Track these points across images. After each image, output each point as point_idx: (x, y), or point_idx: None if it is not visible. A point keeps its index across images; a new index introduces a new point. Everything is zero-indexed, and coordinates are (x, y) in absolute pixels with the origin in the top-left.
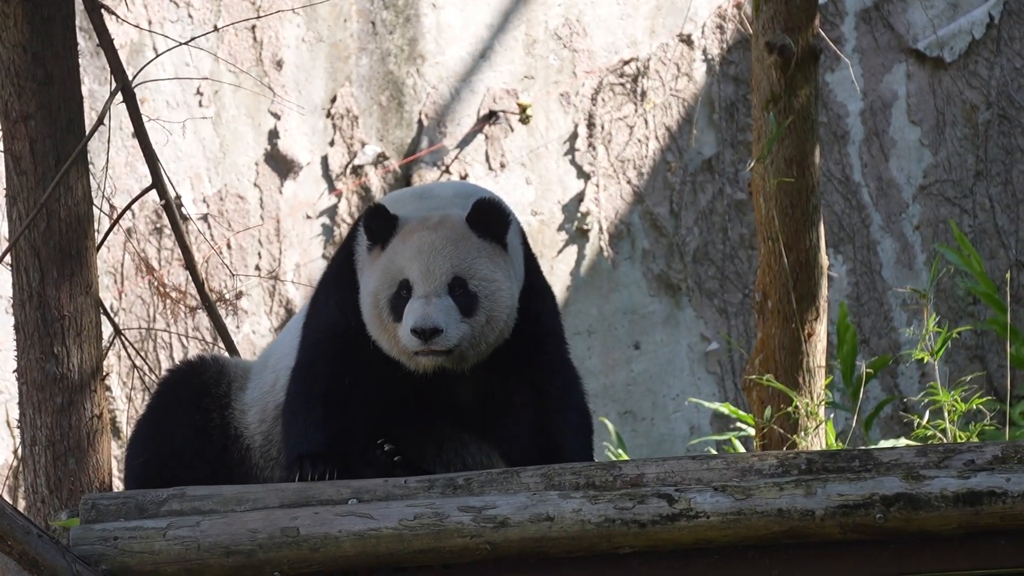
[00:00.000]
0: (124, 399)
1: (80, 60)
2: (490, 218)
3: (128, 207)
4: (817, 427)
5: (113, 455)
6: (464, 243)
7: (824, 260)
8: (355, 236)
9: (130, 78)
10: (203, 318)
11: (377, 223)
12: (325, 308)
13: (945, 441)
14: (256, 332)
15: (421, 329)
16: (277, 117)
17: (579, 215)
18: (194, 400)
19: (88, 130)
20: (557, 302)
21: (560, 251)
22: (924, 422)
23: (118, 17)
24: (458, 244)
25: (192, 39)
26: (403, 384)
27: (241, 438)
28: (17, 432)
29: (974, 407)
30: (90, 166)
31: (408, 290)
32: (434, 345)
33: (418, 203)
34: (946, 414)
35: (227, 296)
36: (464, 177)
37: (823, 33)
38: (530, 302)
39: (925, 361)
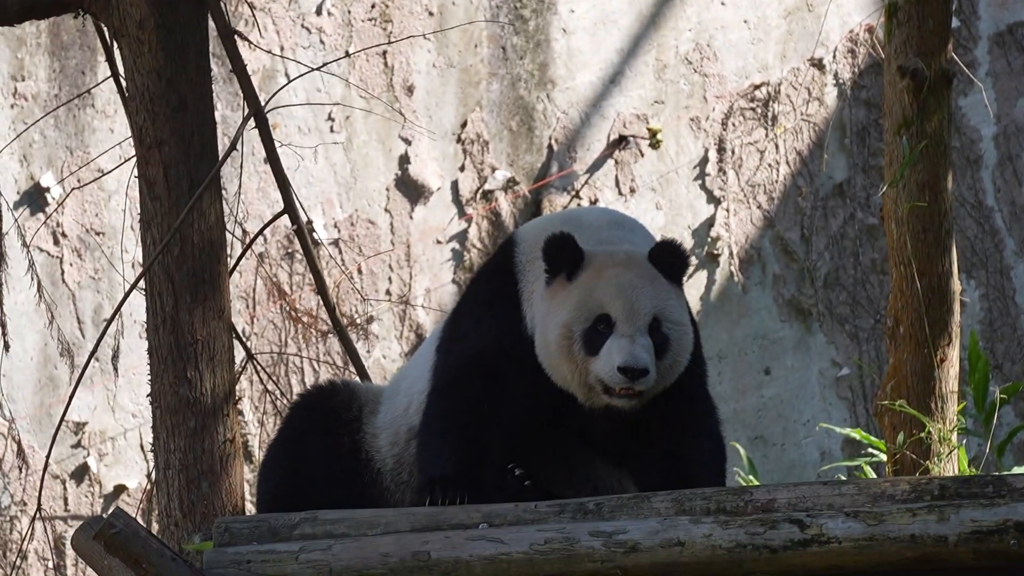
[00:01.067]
0: (256, 423)
1: (213, 86)
2: (675, 259)
3: (260, 232)
4: (950, 453)
5: (245, 479)
6: (658, 283)
7: (956, 285)
8: (514, 260)
9: (262, 104)
10: (334, 343)
11: (566, 254)
12: (475, 331)
13: None
14: (387, 357)
15: (632, 368)
16: (408, 142)
17: (709, 240)
18: (325, 424)
19: (221, 155)
20: (697, 328)
21: (690, 276)
22: None
23: (251, 43)
24: (654, 284)
25: (324, 65)
26: (545, 411)
27: (372, 461)
28: (151, 456)
29: None
30: (223, 191)
31: (607, 325)
32: (638, 385)
33: (579, 233)
34: None
35: (358, 321)
36: (594, 202)
37: (956, 57)
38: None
39: None
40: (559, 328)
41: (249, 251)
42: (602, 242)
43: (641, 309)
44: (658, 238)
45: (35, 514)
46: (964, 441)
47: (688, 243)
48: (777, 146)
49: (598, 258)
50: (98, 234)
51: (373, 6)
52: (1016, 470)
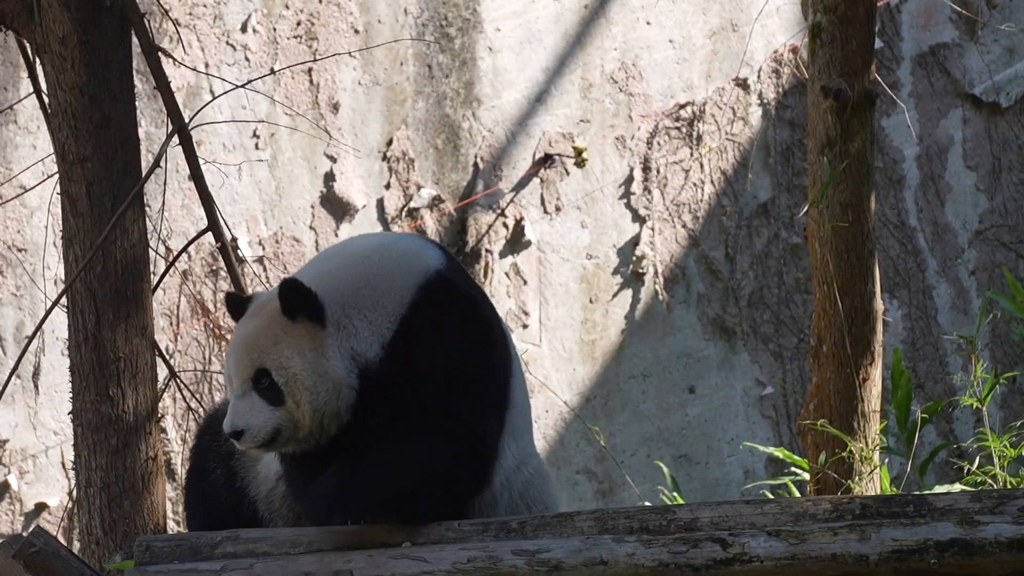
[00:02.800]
0: (179, 441)
1: (137, 103)
2: (291, 300)
3: (184, 249)
4: (872, 472)
5: (168, 497)
6: (270, 331)
7: (879, 305)
8: None
9: (186, 121)
10: None
11: (233, 311)
12: None
13: (996, 487)
14: None
15: (227, 434)
16: (333, 160)
17: (634, 259)
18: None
19: (145, 172)
20: (468, 355)
21: (615, 295)
22: (975, 468)
23: (175, 60)
24: (264, 333)
25: (248, 82)
26: None
27: (248, 489)
28: (72, 474)
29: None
30: (146, 208)
31: None
32: (242, 445)
33: (316, 268)
34: (996, 460)
35: None
36: (519, 221)
37: (879, 78)
38: (395, 365)
39: (974, 408)
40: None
41: (173, 268)
42: (320, 274)
43: (243, 366)
44: (583, 257)
45: None
46: (886, 460)
47: (613, 261)
48: (702, 165)
49: (252, 307)
50: (20, 250)
51: (299, 23)
52: (937, 489)
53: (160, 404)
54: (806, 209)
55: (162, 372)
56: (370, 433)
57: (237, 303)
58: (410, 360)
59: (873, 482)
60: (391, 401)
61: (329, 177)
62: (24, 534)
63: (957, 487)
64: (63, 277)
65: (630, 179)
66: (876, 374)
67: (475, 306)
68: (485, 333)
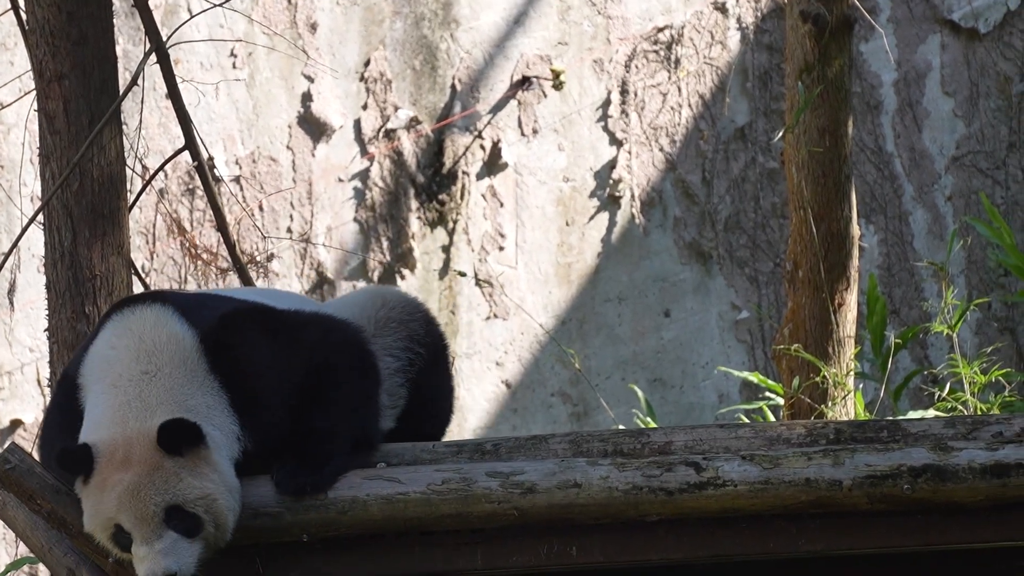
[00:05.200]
0: None
1: (115, 20)
2: (180, 438)
3: (160, 168)
4: (845, 397)
5: None
6: (161, 472)
7: (855, 230)
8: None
9: (164, 39)
10: (234, 280)
11: (78, 469)
12: None
13: (967, 413)
14: None
15: None
16: (310, 80)
17: (611, 182)
18: None
19: (122, 90)
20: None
21: (591, 218)
22: (945, 394)
23: None
24: (155, 477)
25: (226, 1)
26: None
27: None
28: (48, 391)
29: (994, 379)
30: (123, 126)
31: (127, 533)
32: None
33: (106, 380)
34: (967, 386)
35: (258, 258)
36: (496, 143)
37: (857, 3)
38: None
39: (945, 334)
40: (90, 528)
41: (149, 187)
42: (123, 402)
43: (147, 512)
44: (559, 180)
45: None
46: (860, 385)
47: (590, 185)
48: (680, 89)
49: (102, 458)
50: None
51: None
52: (911, 415)
53: None
54: (782, 133)
55: (138, 290)
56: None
57: (81, 458)
58: (264, 394)
59: (847, 407)
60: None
61: (306, 97)
62: None
63: (931, 413)
64: (39, 194)
65: (607, 102)
66: (851, 299)
67: (234, 316)
68: (260, 321)
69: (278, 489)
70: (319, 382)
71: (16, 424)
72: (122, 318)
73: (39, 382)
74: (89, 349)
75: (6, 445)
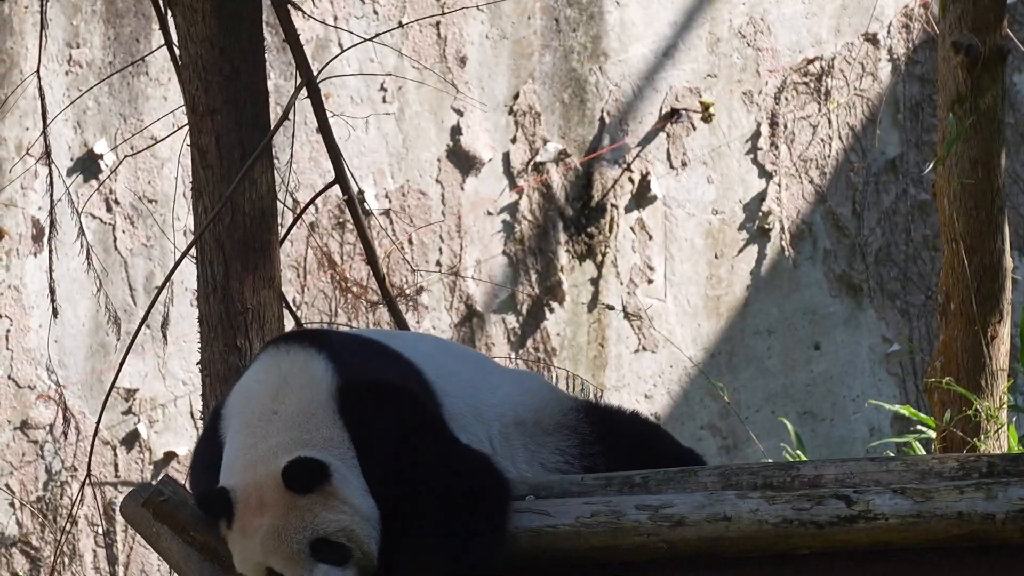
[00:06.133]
0: None
1: (266, 55)
2: (307, 477)
3: (311, 201)
4: (998, 431)
5: None
6: (296, 512)
7: (1009, 263)
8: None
9: (315, 73)
10: (384, 313)
11: (218, 512)
12: None
13: None
14: (436, 328)
15: None
16: (460, 113)
17: (760, 214)
18: None
19: (273, 125)
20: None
21: (741, 250)
22: None
23: (304, 13)
24: (291, 516)
25: (377, 35)
26: None
27: None
28: (201, 424)
29: None
30: (275, 161)
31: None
32: None
33: (242, 433)
34: None
35: (408, 291)
36: (645, 176)
37: (1011, 33)
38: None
39: None
40: (243, 571)
41: (300, 221)
42: (252, 444)
43: (294, 550)
44: (708, 212)
45: (84, 480)
46: (1014, 419)
47: (739, 217)
48: (830, 121)
49: (240, 504)
50: (150, 201)
51: None
52: None
53: None
54: (933, 165)
55: (289, 324)
56: (387, 553)
57: (219, 503)
58: (379, 474)
59: (1000, 441)
60: (394, 516)
61: (456, 131)
62: (153, 483)
63: None
64: (192, 228)
65: (757, 134)
66: (1004, 332)
67: (380, 387)
68: (408, 401)
69: None
70: (427, 528)
71: (170, 456)
72: (273, 355)
73: (192, 415)
74: (239, 383)
75: (160, 477)
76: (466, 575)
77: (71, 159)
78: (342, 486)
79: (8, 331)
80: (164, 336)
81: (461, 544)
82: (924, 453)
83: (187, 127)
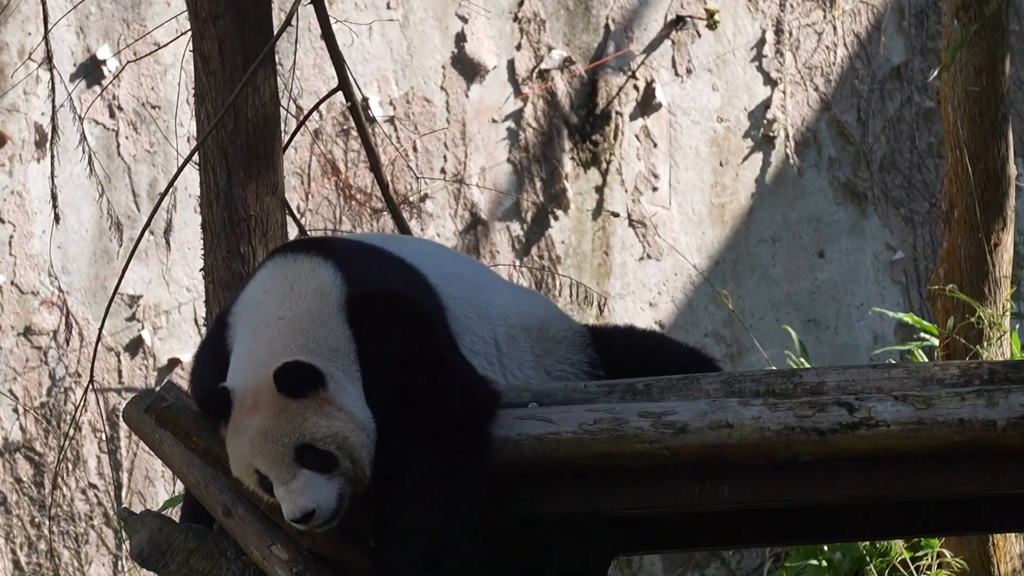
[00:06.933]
0: None
1: None
2: (299, 381)
3: (315, 108)
4: (1001, 338)
5: None
6: (286, 415)
7: (1012, 170)
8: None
9: None
10: (388, 221)
11: (217, 412)
12: None
13: None
14: (440, 235)
15: (297, 520)
16: (464, 20)
17: (765, 122)
18: None
19: (276, 31)
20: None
21: (745, 158)
22: None
23: None
24: (281, 419)
25: None
26: None
27: None
28: (204, 330)
29: None
30: (278, 67)
31: (266, 476)
32: (317, 523)
33: (248, 320)
34: None
35: (412, 199)
36: (650, 83)
37: None
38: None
39: None
40: (237, 474)
41: (303, 128)
42: (288, 342)
43: (279, 453)
44: (713, 120)
45: (88, 386)
46: (1016, 326)
47: (744, 125)
48: (835, 28)
49: (235, 403)
50: (153, 107)
51: None
52: None
53: None
54: (938, 72)
55: (292, 231)
56: (381, 466)
57: (219, 402)
58: (381, 387)
59: (1002, 348)
60: (388, 430)
61: (460, 37)
62: (156, 389)
63: None
64: (195, 134)
65: (762, 41)
66: (1008, 239)
67: (390, 299)
68: (415, 317)
69: None
70: (418, 444)
71: (173, 363)
72: (280, 262)
73: (196, 321)
74: (244, 291)
75: (163, 383)
76: (453, 494)
77: (74, 64)
78: (338, 394)
79: (11, 237)
80: (167, 243)
81: (449, 465)
82: (927, 360)
83: (190, 33)
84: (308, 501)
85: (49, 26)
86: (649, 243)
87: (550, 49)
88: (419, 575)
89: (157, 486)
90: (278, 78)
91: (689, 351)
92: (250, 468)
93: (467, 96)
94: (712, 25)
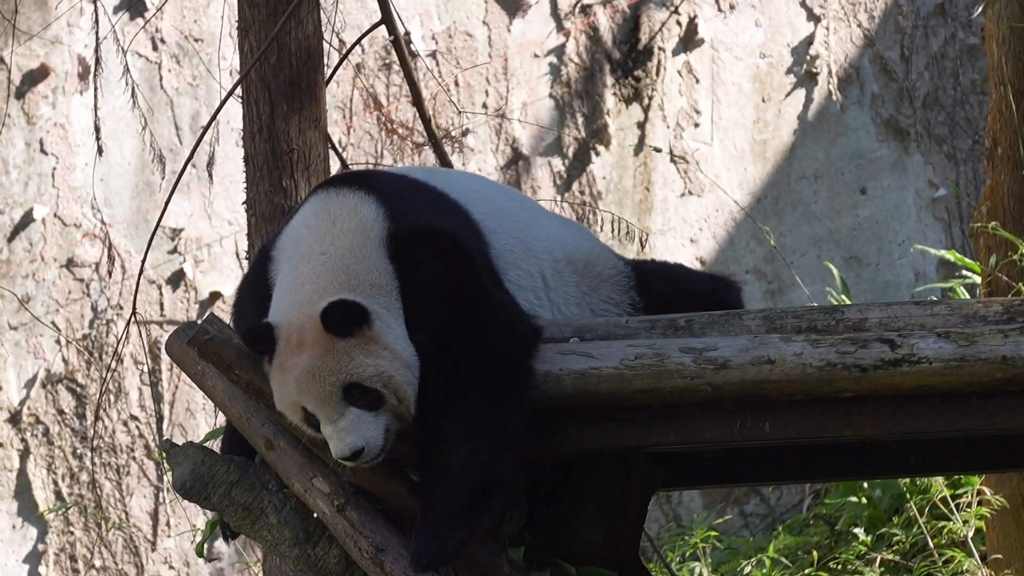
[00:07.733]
0: None
1: None
2: (347, 320)
3: (357, 42)
4: None
5: None
6: (333, 354)
7: None
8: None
9: None
10: (429, 155)
11: (262, 348)
12: None
13: None
14: (482, 169)
15: (345, 457)
16: None
17: (808, 58)
18: None
19: None
20: (468, 284)
21: (788, 94)
22: None
23: None
24: (328, 358)
25: None
26: None
27: None
28: (246, 263)
29: None
30: (320, 0)
31: (312, 414)
32: (365, 459)
33: (293, 255)
34: None
35: (453, 133)
36: (693, 19)
37: None
38: (413, 333)
39: None
40: (281, 408)
41: (346, 61)
42: (331, 280)
43: (327, 392)
44: (756, 56)
45: (130, 318)
46: None
47: (787, 61)
48: None
49: (281, 341)
50: (196, 40)
51: None
52: None
53: None
54: (983, 8)
55: (334, 164)
56: (426, 404)
57: (263, 338)
58: (423, 324)
59: None
60: (431, 366)
61: None
62: (198, 321)
63: None
64: (238, 68)
65: None
66: None
67: (431, 236)
68: (456, 253)
69: (411, 561)
70: (461, 380)
71: (215, 296)
72: (323, 197)
73: (237, 255)
74: (287, 225)
75: (205, 316)
76: (497, 429)
77: None
78: (383, 332)
79: (54, 169)
80: (210, 176)
81: (492, 400)
82: (969, 297)
83: None
84: (357, 439)
85: None
86: (691, 179)
87: None
88: (467, 509)
89: (198, 418)
90: (321, 11)
91: (709, 276)
92: (296, 405)
93: (509, 31)
94: None
